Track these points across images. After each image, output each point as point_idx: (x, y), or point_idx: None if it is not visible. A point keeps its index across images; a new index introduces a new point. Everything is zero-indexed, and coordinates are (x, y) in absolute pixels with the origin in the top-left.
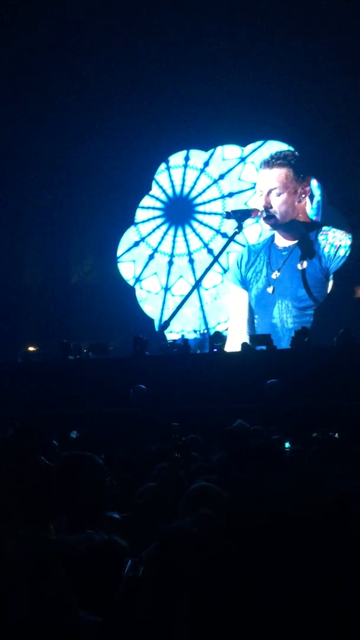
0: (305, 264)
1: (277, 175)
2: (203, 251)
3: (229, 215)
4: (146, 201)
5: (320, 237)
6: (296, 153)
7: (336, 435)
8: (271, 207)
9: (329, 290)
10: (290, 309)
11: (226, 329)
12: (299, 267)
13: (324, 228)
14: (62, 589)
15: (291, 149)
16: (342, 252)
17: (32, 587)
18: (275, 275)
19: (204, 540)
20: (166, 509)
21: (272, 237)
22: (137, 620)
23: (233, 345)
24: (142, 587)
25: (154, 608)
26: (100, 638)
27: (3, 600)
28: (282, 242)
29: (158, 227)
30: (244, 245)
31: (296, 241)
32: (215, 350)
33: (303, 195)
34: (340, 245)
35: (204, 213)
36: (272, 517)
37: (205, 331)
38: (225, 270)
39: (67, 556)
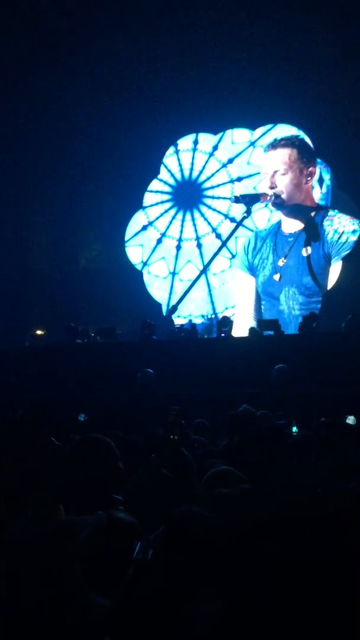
0: (309, 250)
1: (282, 155)
2: (211, 236)
3: (237, 199)
4: (154, 185)
5: (326, 223)
6: (299, 137)
7: (350, 419)
8: (276, 187)
9: (330, 276)
10: (297, 297)
11: (232, 314)
12: (304, 253)
13: (330, 213)
14: (71, 570)
15: (301, 132)
16: (344, 238)
17: (41, 568)
18: (281, 262)
19: (214, 523)
20: (161, 490)
21: (279, 223)
22: (146, 602)
23: (239, 330)
24: (150, 569)
25: (162, 590)
26: (109, 620)
27: (13, 580)
28: (289, 227)
29: (166, 211)
30: (252, 230)
31: (303, 226)
32: (222, 335)
33: (309, 177)
34: (343, 232)
35: (213, 197)
36: (291, 507)
37: (213, 316)
38: (233, 256)
39: (76, 537)
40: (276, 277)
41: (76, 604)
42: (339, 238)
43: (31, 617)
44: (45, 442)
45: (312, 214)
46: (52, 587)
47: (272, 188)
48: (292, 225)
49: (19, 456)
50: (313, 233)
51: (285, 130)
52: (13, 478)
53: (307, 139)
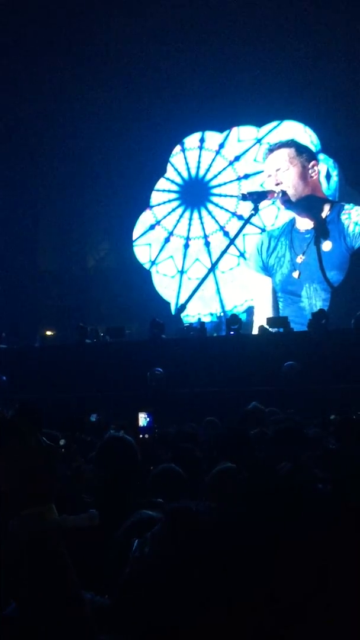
0: (330, 245)
1: (281, 155)
2: (219, 234)
3: (244, 197)
4: (161, 184)
5: (343, 217)
6: (293, 139)
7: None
8: (282, 183)
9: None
10: (319, 292)
11: (244, 311)
12: (324, 248)
13: (346, 207)
14: (65, 570)
15: (308, 128)
16: None
17: (33, 569)
18: (300, 259)
19: (211, 518)
20: (173, 487)
21: (292, 221)
22: (144, 601)
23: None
24: (148, 566)
25: (161, 588)
26: (107, 620)
27: (5, 582)
28: (303, 225)
29: (174, 210)
30: (260, 228)
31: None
32: (232, 332)
33: (313, 171)
34: None
35: (220, 195)
36: (295, 497)
37: (222, 314)
38: (241, 253)
39: (70, 536)
40: (295, 274)
41: (71, 604)
42: None
43: (26, 618)
44: (37, 441)
45: (324, 211)
46: (44, 589)
47: (277, 184)
48: (307, 222)
49: (9, 456)
50: (322, 230)
51: (292, 126)
52: (4, 478)
53: (314, 135)
